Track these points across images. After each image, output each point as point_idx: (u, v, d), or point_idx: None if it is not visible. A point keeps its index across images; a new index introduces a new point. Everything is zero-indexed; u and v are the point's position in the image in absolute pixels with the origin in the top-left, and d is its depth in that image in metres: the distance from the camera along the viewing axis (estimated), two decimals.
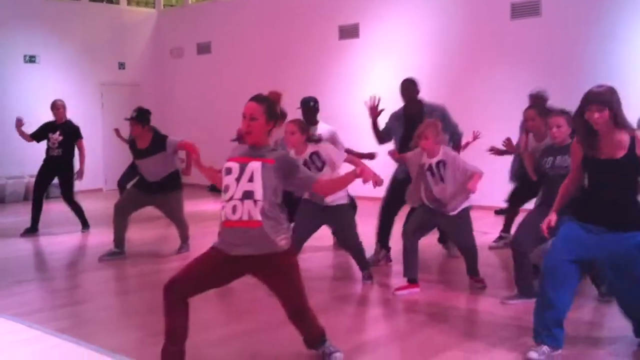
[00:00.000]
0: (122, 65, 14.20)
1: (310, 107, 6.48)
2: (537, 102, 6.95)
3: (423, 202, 5.42)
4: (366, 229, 6.34)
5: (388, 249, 6.54)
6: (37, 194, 8.55)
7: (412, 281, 5.40)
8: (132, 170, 9.37)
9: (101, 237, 8.36)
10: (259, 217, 3.44)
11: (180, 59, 14.61)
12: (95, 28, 13.71)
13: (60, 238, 8.30)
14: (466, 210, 5.43)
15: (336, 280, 6.15)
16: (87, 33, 13.55)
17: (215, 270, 3.58)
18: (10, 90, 12.49)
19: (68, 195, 8.57)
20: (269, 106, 3.58)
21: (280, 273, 3.61)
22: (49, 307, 5.22)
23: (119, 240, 6.98)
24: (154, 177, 6.85)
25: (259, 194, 3.44)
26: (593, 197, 3.82)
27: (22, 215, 8.67)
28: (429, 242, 6.67)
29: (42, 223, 8.73)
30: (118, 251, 6.98)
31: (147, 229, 8.87)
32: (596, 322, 4.74)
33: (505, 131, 9.04)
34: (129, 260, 6.97)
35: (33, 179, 11.66)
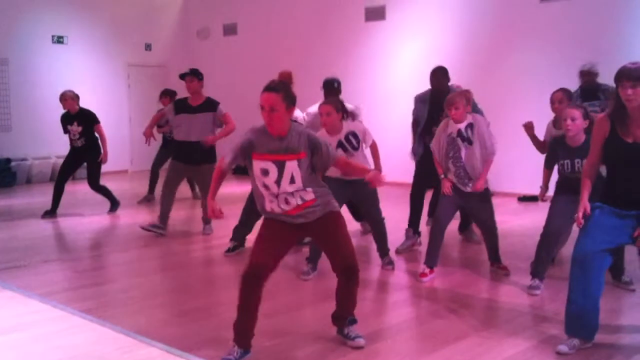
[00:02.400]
0: (148, 47, 14.28)
1: (333, 88, 6.44)
2: (589, 79, 6.85)
3: (445, 190, 5.35)
4: (391, 213, 6.29)
5: (419, 233, 6.57)
6: (60, 180, 8.63)
7: (432, 266, 5.42)
8: (163, 153, 9.53)
9: (127, 218, 8.47)
10: (312, 196, 3.61)
11: (207, 40, 14.64)
12: (123, 9, 13.78)
13: (87, 219, 8.42)
14: (487, 190, 5.40)
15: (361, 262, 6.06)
16: (114, 14, 13.63)
17: (281, 242, 3.67)
18: (38, 71, 12.63)
19: (94, 182, 8.68)
20: (286, 93, 3.51)
21: (334, 228, 3.71)
22: (74, 287, 5.30)
23: (164, 215, 7.18)
24: (194, 136, 6.98)
25: (302, 186, 3.57)
26: (620, 181, 3.72)
27: (48, 196, 8.78)
28: (450, 229, 6.62)
29: (69, 204, 8.87)
30: (160, 226, 7.17)
31: (173, 210, 8.93)
32: (616, 309, 4.68)
33: (533, 114, 8.93)
34: (154, 240, 7.04)
35: (60, 160, 11.86)
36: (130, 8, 13.90)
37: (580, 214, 3.76)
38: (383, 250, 5.81)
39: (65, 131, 8.61)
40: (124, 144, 13.53)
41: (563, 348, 3.73)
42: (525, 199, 9.21)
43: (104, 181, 8.92)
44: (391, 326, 4.40)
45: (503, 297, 4.95)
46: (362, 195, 5.54)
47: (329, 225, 3.71)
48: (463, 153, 5.23)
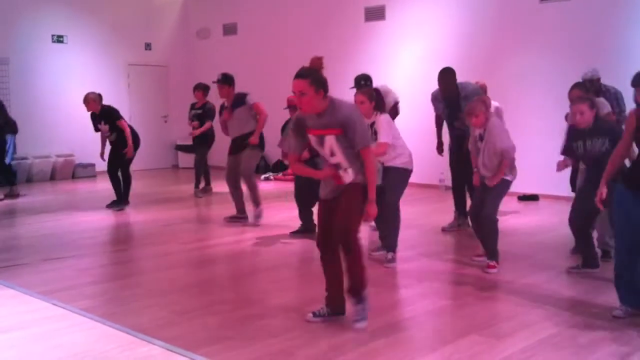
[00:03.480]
0: (148, 46, 14.27)
1: (361, 86, 6.93)
2: (590, 86, 6.90)
3: (475, 182, 5.77)
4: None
5: (466, 216, 6.96)
6: (111, 173, 8.96)
7: (493, 258, 5.60)
8: (202, 150, 10.15)
9: (127, 217, 8.49)
10: (351, 178, 4.02)
11: (207, 40, 14.64)
12: (123, 8, 13.77)
13: (87, 217, 8.42)
14: (504, 182, 5.61)
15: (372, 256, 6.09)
16: (114, 13, 13.62)
17: (330, 214, 4.12)
18: (38, 70, 12.63)
19: (125, 170, 8.97)
20: (313, 78, 3.91)
21: (345, 193, 4.06)
22: (75, 285, 5.29)
23: (241, 207, 7.80)
24: (236, 131, 7.64)
25: (345, 163, 4.00)
26: None
27: (48, 194, 8.82)
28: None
29: (69, 202, 8.88)
30: (241, 216, 7.79)
31: (173, 209, 8.97)
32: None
33: (532, 115, 8.99)
34: (154, 239, 7.05)
35: (60, 159, 11.89)
36: (130, 8, 13.89)
37: (598, 199, 4.28)
38: (389, 243, 5.90)
39: (97, 129, 8.98)
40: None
41: (618, 312, 4.26)
42: (525, 198, 9.21)
43: (103, 181, 8.95)
44: (402, 320, 4.43)
45: (503, 295, 4.96)
46: (384, 181, 5.72)
47: (344, 193, 4.06)
48: (483, 154, 5.61)
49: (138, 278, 5.65)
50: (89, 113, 8.90)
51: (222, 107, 7.93)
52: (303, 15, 12.58)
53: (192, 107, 10.28)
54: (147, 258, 6.40)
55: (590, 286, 5.12)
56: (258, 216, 7.74)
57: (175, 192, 10.58)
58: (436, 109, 7.36)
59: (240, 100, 7.62)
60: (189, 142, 13.43)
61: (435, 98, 7.30)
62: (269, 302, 4.80)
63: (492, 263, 5.56)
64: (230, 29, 14.12)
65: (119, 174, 8.98)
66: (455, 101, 7.00)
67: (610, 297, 4.59)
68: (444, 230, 7.26)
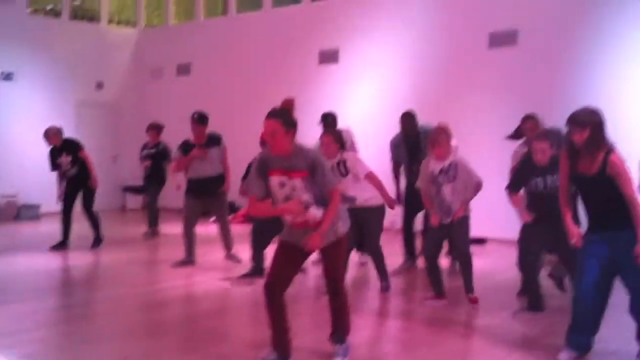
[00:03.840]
0: (100, 85, 14.08)
1: (328, 122, 7.56)
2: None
3: (433, 223, 5.73)
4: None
5: (415, 257, 7.33)
6: (66, 212, 8.79)
7: (440, 294, 5.80)
8: (153, 189, 10.01)
9: (72, 260, 8.22)
10: (318, 217, 4.03)
11: (160, 79, 14.53)
12: (75, 46, 13.58)
13: (31, 259, 8.12)
14: (466, 219, 5.72)
15: (355, 290, 6.28)
16: (65, 51, 13.42)
17: (292, 259, 4.18)
18: None
19: (88, 207, 8.80)
20: (284, 118, 3.98)
21: (333, 252, 4.18)
22: (17, 331, 5.06)
23: (190, 250, 7.68)
24: (208, 171, 7.62)
25: (312, 202, 4.02)
26: (586, 207, 4.26)
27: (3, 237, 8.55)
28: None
29: (12, 244, 8.57)
30: (189, 260, 7.66)
31: (120, 251, 8.73)
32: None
33: (481, 156, 9.12)
34: (99, 283, 6.85)
35: (3, 200, 11.55)
36: (82, 45, 13.70)
37: (578, 241, 4.29)
38: (381, 273, 6.28)
39: (54, 167, 8.78)
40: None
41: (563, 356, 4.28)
42: (472, 241, 9.17)
43: (51, 221, 8.70)
44: (385, 353, 4.52)
45: (457, 334, 4.93)
46: (364, 222, 6.00)
47: (330, 249, 4.16)
48: (445, 190, 5.59)
49: (83, 323, 5.43)
50: (49, 149, 8.76)
51: (186, 145, 7.73)
52: (258, 57, 12.63)
53: (145, 146, 10.12)
54: (92, 302, 6.19)
55: (546, 325, 5.18)
56: (235, 258, 7.77)
57: (122, 233, 10.32)
58: (394, 155, 7.40)
59: (215, 140, 7.70)
60: (139, 182, 13.25)
61: (394, 144, 7.36)
62: (219, 347, 4.65)
63: (475, 295, 5.75)
64: (184, 69, 14.07)
65: (86, 213, 8.82)
66: (416, 144, 7.13)
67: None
68: (393, 274, 7.09)
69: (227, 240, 7.88)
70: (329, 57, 11.62)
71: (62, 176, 8.82)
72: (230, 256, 7.88)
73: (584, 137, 4.05)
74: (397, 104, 10.41)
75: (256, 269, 6.91)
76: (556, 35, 9.08)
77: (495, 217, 8.26)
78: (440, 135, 5.57)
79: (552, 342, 4.69)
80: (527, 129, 6.22)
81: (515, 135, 6.70)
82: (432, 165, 5.64)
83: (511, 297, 6.06)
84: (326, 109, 11.36)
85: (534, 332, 5.07)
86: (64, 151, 8.68)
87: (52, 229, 9.78)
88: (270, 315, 4.15)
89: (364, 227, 6.08)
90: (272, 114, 4.02)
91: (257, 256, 6.95)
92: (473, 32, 9.84)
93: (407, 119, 7.25)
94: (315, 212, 4.04)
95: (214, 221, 8.20)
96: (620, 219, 4.10)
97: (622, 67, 8.53)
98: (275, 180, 4.06)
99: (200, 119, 7.68)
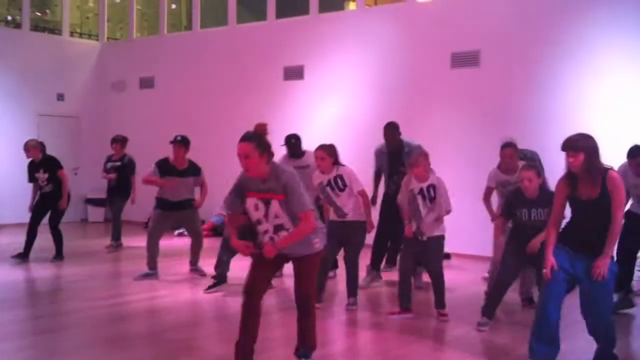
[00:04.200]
0: (61, 97, 13.88)
1: (292, 144, 7.58)
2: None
3: (409, 241, 5.92)
4: None
5: (379, 271, 7.50)
6: (33, 225, 8.73)
7: (406, 308, 5.93)
8: (118, 200, 9.96)
9: (35, 273, 8.05)
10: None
11: (122, 92, 14.42)
12: (36, 58, 13.39)
13: None
14: (440, 239, 5.91)
15: (324, 303, 6.29)
16: (26, 62, 13.22)
17: (268, 266, 4.22)
18: None
19: (54, 224, 8.77)
20: (258, 141, 4.02)
21: (307, 266, 4.22)
22: None
23: (152, 262, 7.67)
24: (179, 196, 7.69)
25: (288, 224, 4.09)
26: (577, 229, 4.32)
27: None
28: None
29: None
30: (152, 272, 7.65)
31: (80, 264, 8.60)
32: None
33: (442, 173, 9.20)
34: (58, 296, 6.72)
35: None
36: (43, 57, 13.52)
37: (549, 271, 4.27)
38: (353, 288, 6.29)
39: (31, 179, 8.76)
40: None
41: None
42: None
43: (13, 233, 8.54)
44: None
45: (451, 339, 5.00)
46: (351, 236, 6.16)
47: (304, 263, 4.21)
48: (423, 210, 5.79)
49: (39, 337, 5.33)
50: (28, 161, 8.75)
51: (165, 165, 7.69)
52: (222, 72, 12.65)
53: (109, 159, 10.07)
54: (49, 316, 6.06)
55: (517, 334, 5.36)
56: (200, 271, 7.82)
57: (83, 246, 10.17)
58: (377, 163, 7.68)
59: (194, 171, 7.84)
60: (100, 195, 13.08)
61: (378, 152, 7.65)
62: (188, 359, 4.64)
63: (445, 311, 5.91)
64: (147, 83, 13.99)
65: (51, 230, 8.76)
66: (398, 155, 7.37)
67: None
68: (360, 287, 7.20)
69: (195, 255, 7.91)
70: (294, 73, 11.71)
71: (36, 190, 8.82)
72: (195, 270, 7.88)
73: (579, 161, 4.12)
74: (361, 121, 10.57)
75: (220, 277, 7.02)
76: (517, 55, 9.33)
77: (457, 232, 8.40)
78: (419, 158, 5.83)
79: (520, 353, 4.81)
80: (506, 155, 6.41)
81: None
82: (413, 184, 5.88)
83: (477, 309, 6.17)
84: (291, 125, 11.48)
85: (503, 343, 5.24)
86: (41, 167, 8.66)
87: (9, 241, 9.60)
88: (243, 319, 4.18)
89: (350, 239, 6.20)
90: (245, 138, 4.03)
91: (223, 266, 7.05)
92: (436, 52, 10.05)
93: (388, 129, 7.45)
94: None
95: (180, 234, 8.19)
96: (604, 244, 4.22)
97: (582, 84, 8.80)
98: (250, 202, 4.14)
99: (181, 141, 7.72)
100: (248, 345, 4.18)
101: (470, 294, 6.98)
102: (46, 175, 8.63)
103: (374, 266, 7.51)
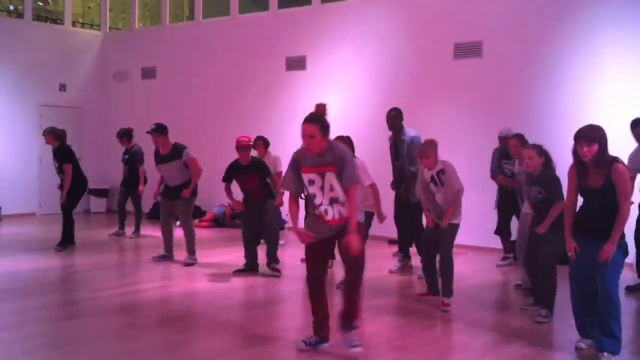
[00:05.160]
0: (63, 87, 13.87)
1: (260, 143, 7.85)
2: (506, 143, 7.53)
3: (430, 227, 6.11)
4: None
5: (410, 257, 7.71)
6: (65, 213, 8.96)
7: (434, 292, 6.16)
8: (124, 191, 10.14)
9: (33, 264, 8.06)
10: (345, 214, 4.39)
11: (124, 83, 14.40)
12: (38, 48, 13.37)
13: None
14: (455, 226, 6.00)
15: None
16: (28, 53, 13.20)
17: (321, 253, 4.56)
18: None
19: (68, 210, 8.93)
20: (321, 124, 4.37)
21: (355, 235, 4.33)
22: None
23: (169, 246, 8.07)
24: (173, 181, 7.89)
25: (342, 198, 4.39)
26: (586, 216, 4.57)
27: None
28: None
29: None
30: (168, 255, 8.06)
31: (85, 255, 8.61)
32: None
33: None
34: (62, 287, 6.74)
35: None
36: (46, 47, 13.49)
37: (572, 252, 4.58)
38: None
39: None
40: (33, 186, 12.98)
41: (581, 345, 4.66)
42: (394, 242, 9.11)
43: (9, 225, 8.54)
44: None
45: (443, 335, 5.02)
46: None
47: (353, 235, 4.33)
48: (437, 196, 5.96)
49: (44, 327, 5.34)
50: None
51: (156, 155, 8.04)
52: (225, 62, 12.62)
53: (126, 151, 10.26)
54: (55, 306, 6.07)
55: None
56: (192, 263, 7.86)
57: (87, 237, 10.18)
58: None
59: (177, 153, 7.84)
60: (103, 186, 13.11)
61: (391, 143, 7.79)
62: (196, 349, 4.65)
63: (447, 301, 5.91)
64: (149, 73, 13.96)
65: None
66: (399, 142, 7.51)
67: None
68: (391, 272, 7.60)
69: (189, 244, 7.95)
70: (297, 64, 11.68)
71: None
72: (189, 259, 7.90)
73: (594, 151, 4.33)
74: (364, 112, 10.54)
75: (251, 266, 7.36)
76: (520, 46, 9.29)
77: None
78: (428, 148, 5.97)
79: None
80: (511, 145, 6.82)
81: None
82: (425, 174, 6.06)
83: (502, 294, 6.43)
84: (293, 115, 11.45)
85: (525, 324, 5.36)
86: (56, 157, 8.86)
87: (11, 231, 9.63)
88: (313, 305, 4.58)
89: None
90: (310, 119, 4.37)
91: (249, 254, 7.36)
92: (439, 43, 10.01)
93: (389, 116, 7.55)
94: (340, 210, 4.41)
95: (179, 226, 8.21)
96: (610, 229, 4.43)
97: (586, 78, 8.77)
98: (306, 177, 4.44)
99: (155, 129, 7.84)
100: (324, 324, 4.59)
101: (483, 282, 7.10)
102: (57, 165, 8.82)
103: (404, 251, 7.77)
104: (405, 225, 7.65)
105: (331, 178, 4.37)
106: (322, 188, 4.39)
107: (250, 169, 7.25)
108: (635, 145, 6.86)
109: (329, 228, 4.47)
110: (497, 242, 8.42)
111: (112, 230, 10.33)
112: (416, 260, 7.38)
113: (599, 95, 8.62)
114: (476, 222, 8.74)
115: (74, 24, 14.58)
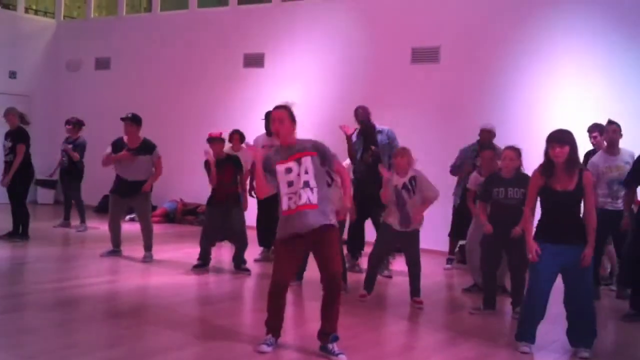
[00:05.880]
0: (13, 74, 13.49)
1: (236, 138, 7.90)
2: (488, 135, 7.65)
3: (387, 229, 6.13)
4: None
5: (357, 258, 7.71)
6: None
7: (369, 290, 6.29)
8: (66, 180, 10.05)
9: None
10: (315, 200, 4.40)
11: (77, 72, 14.08)
12: None
13: None
14: (417, 231, 6.17)
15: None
16: None
17: (292, 254, 4.50)
18: None
19: (18, 199, 8.67)
20: (289, 111, 4.54)
21: (328, 242, 4.43)
22: None
23: (117, 242, 7.90)
24: (134, 176, 7.64)
25: (313, 182, 4.43)
26: (553, 221, 4.64)
27: None
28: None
29: None
30: (117, 250, 7.89)
31: (29, 246, 8.38)
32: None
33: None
34: (5, 279, 6.54)
35: None
36: None
37: (535, 255, 4.63)
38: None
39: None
40: None
41: (524, 348, 4.71)
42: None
43: None
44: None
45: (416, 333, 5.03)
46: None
47: (324, 239, 4.42)
48: (408, 202, 6.00)
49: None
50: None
51: (119, 144, 7.74)
52: (181, 56, 12.47)
53: (66, 140, 10.13)
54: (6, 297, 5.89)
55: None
56: (149, 258, 7.71)
57: (33, 229, 9.88)
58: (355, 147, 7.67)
59: (147, 148, 7.69)
60: (51, 176, 12.77)
61: (357, 137, 7.66)
62: (144, 343, 4.56)
63: (420, 299, 6.15)
64: (103, 64, 13.68)
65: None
66: (370, 134, 7.51)
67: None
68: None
69: (147, 240, 7.80)
70: (255, 60, 11.62)
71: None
72: (146, 256, 7.75)
73: (565, 152, 4.49)
74: (321, 111, 10.54)
75: (204, 260, 7.29)
76: (477, 53, 9.44)
77: None
78: (405, 150, 6.09)
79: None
80: (485, 157, 6.65)
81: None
82: (395, 180, 6.05)
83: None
84: (251, 112, 11.41)
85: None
86: (10, 136, 8.62)
87: None
88: (270, 305, 4.52)
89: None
90: (279, 106, 4.58)
91: (204, 252, 7.29)
92: (396, 47, 10.09)
93: (360, 108, 7.58)
94: (310, 196, 4.41)
95: (132, 219, 8.10)
96: (579, 233, 4.63)
97: (541, 83, 8.97)
98: (280, 169, 4.46)
99: (131, 119, 7.67)
100: (278, 323, 4.55)
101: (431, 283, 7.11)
102: (10, 144, 8.57)
103: (352, 252, 7.73)
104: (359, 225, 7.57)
105: (307, 162, 4.46)
106: (299, 174, 4.43)
107: (226, 162, 7.26)
108: (586, 149, 7.02)
109: (300, 221, 4.38)
110: (440, 244, 8.58)
111: (57, 222, 10.14)
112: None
113: (555, 101, 8.85)
114: (428, 226, 8.82)
115: (26, 10, 14.20)
